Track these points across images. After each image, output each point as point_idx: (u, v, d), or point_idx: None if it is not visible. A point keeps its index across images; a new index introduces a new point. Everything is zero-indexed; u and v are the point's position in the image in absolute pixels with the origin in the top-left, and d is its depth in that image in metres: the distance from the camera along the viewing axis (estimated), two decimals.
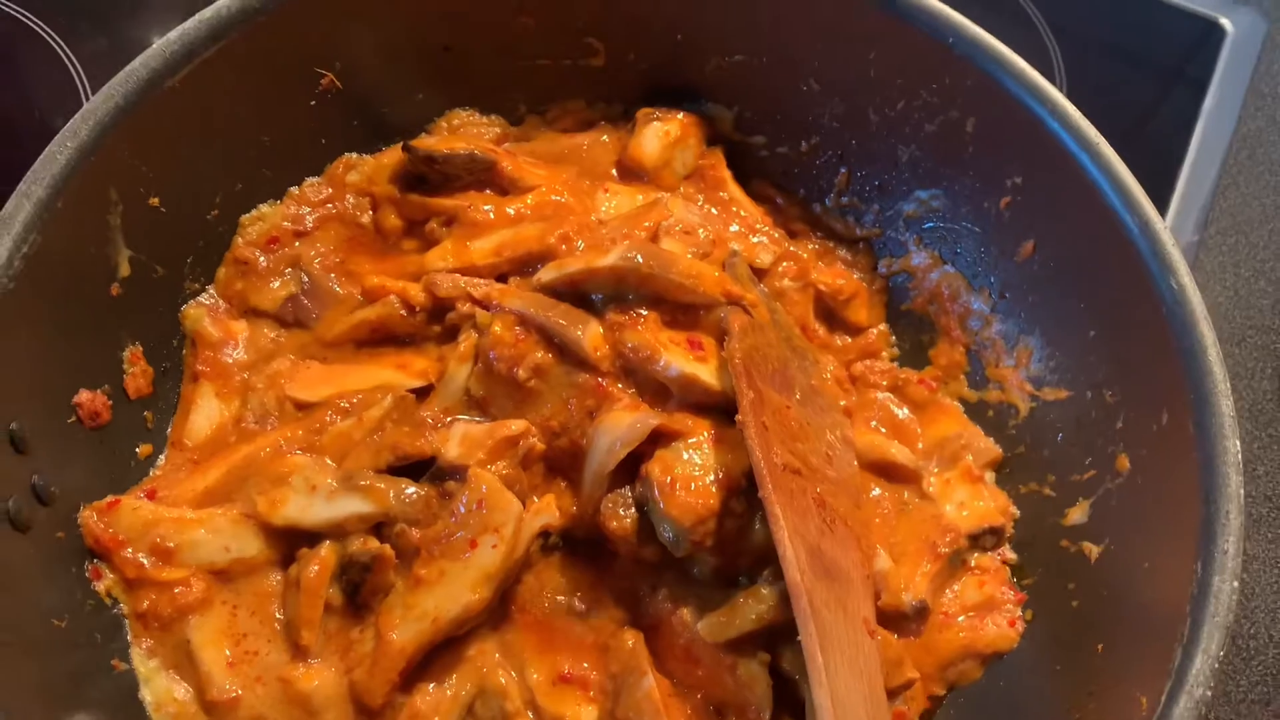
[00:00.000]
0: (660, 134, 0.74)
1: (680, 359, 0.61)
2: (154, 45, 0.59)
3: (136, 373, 0.62)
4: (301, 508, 0.59)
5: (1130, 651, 0.54)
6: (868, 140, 0.72)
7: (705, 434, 0.60)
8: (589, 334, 0.62)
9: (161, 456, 0.63)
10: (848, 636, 0.52)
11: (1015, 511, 0.65)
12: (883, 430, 0.70)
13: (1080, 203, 0.61)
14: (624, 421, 0.59)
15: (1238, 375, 0.81)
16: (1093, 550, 0.60)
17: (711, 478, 0.58)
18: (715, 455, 0.59)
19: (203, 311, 0.66)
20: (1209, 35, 0.95)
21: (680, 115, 0.75)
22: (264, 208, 0.69)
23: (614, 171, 0.75)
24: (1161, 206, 0.85)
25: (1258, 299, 0.84)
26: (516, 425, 0.61)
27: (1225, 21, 0.95)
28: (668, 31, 0.72)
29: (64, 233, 0.56)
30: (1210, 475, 0.52)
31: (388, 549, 0.58)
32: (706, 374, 0.61)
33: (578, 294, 0.64)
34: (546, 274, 0.65)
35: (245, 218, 0.68)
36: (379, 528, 0.59)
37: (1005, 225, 0.67)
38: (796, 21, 0.68)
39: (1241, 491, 0.51)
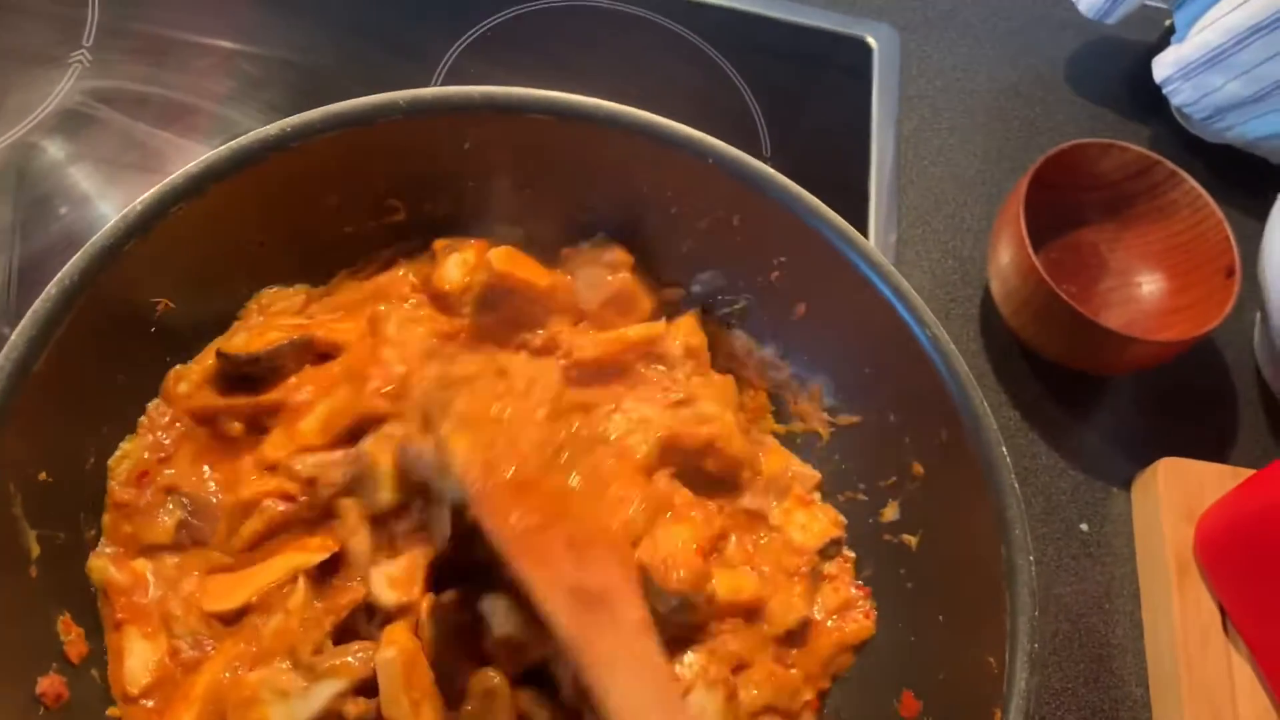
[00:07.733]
0: (460, 263, 0.80)
1: None
2: (11, 337, 0.60)
3: (74, 638, 0.64)
4: (285, 715, 0.63)
5: (968, 620, 0.69)
6: (648, 238, 0.83)
7: None
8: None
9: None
10: (624, 648, 0.58)
11: (844, 520, 0.80)
12: None
13: (839, 275, 0.75)
14: None
15: None
16: (911, 540, 0.76)
17: None
18: None
19: (105, 561, 0.67)
20: (860, 52, 1.13)
21: (474, 242, 0.82)
22: (125, 444, 0.70)
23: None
24: (865, 217, 1.02)
25: (949, 275, 1.03)
26: (424, 554, 0.68)
27: (870, 38, 1.14)
28: (457, 179, 0.79)
29: None
30: (992, 477, 0.68)
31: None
32: None
33: None
34: None
35: (111, 460, 0.69)
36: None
37: (778, 293, 0.81)
38: (571, 154, 0.77)
39: (1017, 486, 0.68)
